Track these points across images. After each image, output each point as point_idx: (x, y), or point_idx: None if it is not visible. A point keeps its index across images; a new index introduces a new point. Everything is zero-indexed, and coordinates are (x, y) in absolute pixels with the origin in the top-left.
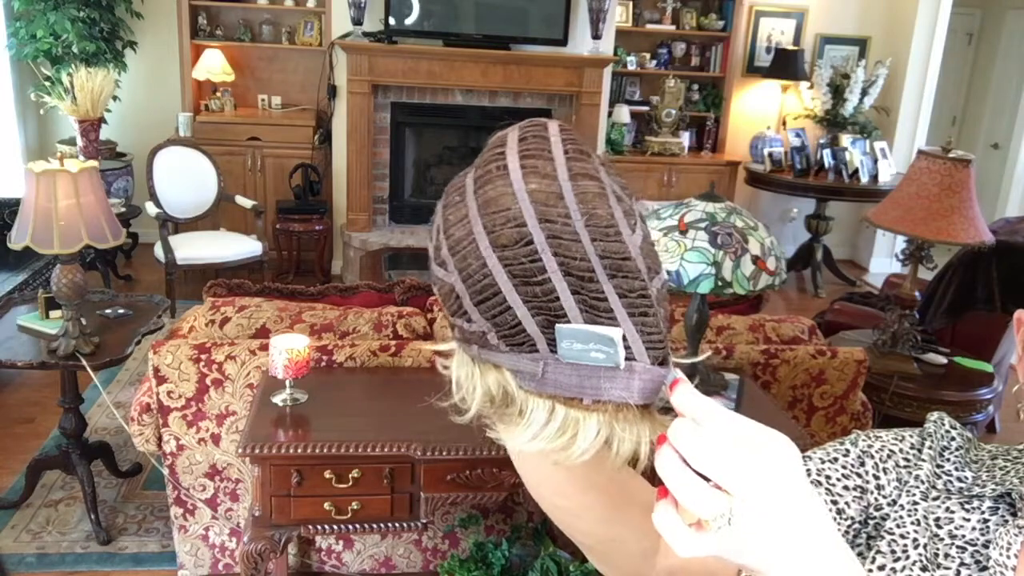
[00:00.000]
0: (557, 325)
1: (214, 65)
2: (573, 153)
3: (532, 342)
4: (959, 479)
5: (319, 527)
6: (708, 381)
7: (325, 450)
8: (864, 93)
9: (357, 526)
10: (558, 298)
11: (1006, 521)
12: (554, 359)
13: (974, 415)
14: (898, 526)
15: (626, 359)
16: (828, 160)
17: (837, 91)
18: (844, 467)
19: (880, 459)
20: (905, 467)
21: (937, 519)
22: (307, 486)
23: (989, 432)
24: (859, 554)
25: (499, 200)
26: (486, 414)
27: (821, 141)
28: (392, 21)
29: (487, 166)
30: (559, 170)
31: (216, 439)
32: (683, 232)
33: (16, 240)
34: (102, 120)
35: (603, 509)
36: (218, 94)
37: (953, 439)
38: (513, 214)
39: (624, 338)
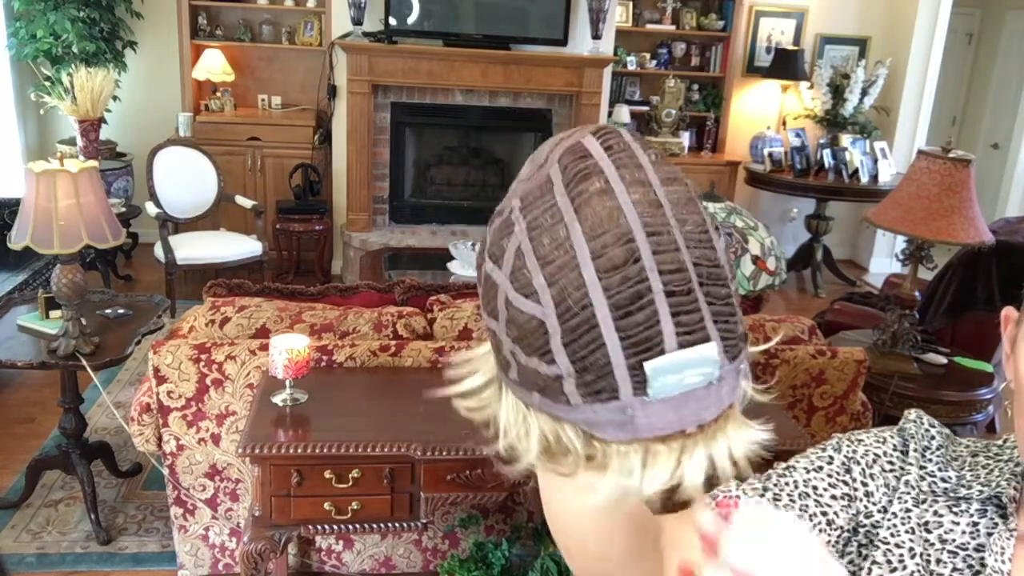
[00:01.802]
0: (648, 365)
1: (214, 65)
2: (655, 158)
3: (614, 388)
4: (943, 479)
5: (319, 527)
6: None
7: (325, 450)
8: (864, 93)
9: (357, 526)
10: (658, 322)
11: (996, 524)
12: (641, 401)
13: (974, 415)
14: (892, 535)
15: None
16: (828, 160)
17: (837, 91)
18: (830, 475)
19: (866, 464)
20: (891, 471)
21: (926, 523)
22: (307, 486)
23: (989, 432)
24: (850, 563)
25: (608, 218)
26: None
27: (821, 141)
28: (392, 21)
29: (581, 184)
30: (651, 177)
31: (216, 439)
32: None
33: (16, 240)
34: (102, 120)
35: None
36: (218, 94)
37: (933, 438)
38: (623, 230)
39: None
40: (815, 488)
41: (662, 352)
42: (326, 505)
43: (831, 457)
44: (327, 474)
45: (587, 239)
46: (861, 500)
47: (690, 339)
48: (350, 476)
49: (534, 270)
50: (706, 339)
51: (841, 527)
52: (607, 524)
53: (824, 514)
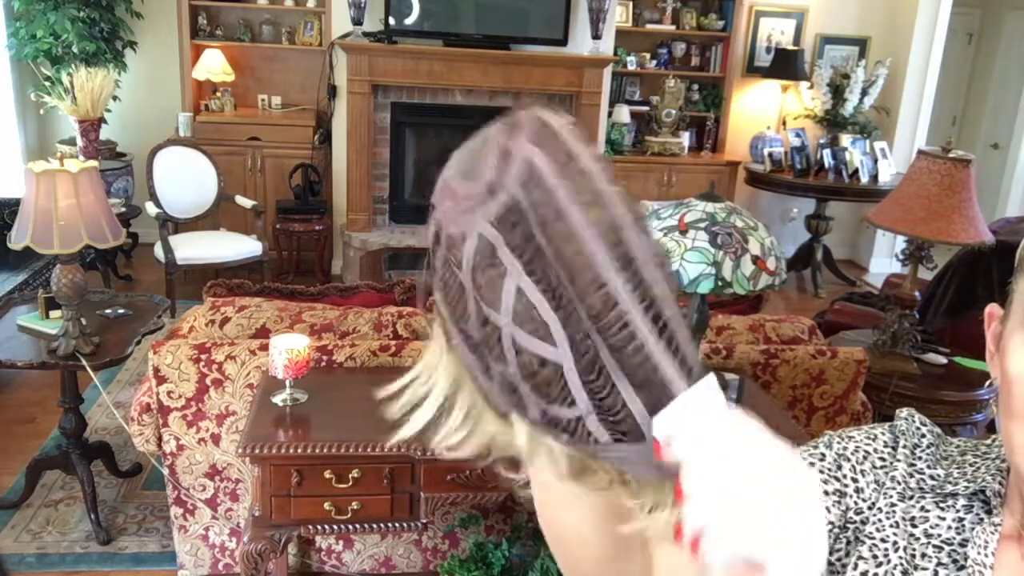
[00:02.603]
0: (655, 420)
1: (214, 65)
2: (591, 150)
3: (639, 432)
4: (931, 477)
5: (319, 527)
6: None
7: (325, 450)
8: (864, 93)
9: (357, 526)
10: (656, 368)
11: (981, 519)
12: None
13: (974, 415)
14: (878, 530)
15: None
16: (828, 160)
17: (837, 91)
18: (822, 472)
19: (857, 460)
20: (882, 467)
21: (912, 519)
22: (307, 486)
23: (989, 431)
24: (838, 559)
25: (578, 259)
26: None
27: (821, 141)
28: (392, 21)
29: (551, 226)
30: (600, 184)
31: (216, 439)
32: (683, 232)
33: (16, 240)
34: (102, 120)
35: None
36: (218, 94)
37: (924, 436)
38: (593, 275)
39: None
40: None
41: (670, 396)
42: (326, 505)
43: (823, 454)
44: (327, 474)
45: (569, 283)
46: (851, 496)
47: (689, 380)
48: (350, 476)
49: (540, 305)
50: (701, 372)
51: (832, 523)
52: (600, 534)
53: None
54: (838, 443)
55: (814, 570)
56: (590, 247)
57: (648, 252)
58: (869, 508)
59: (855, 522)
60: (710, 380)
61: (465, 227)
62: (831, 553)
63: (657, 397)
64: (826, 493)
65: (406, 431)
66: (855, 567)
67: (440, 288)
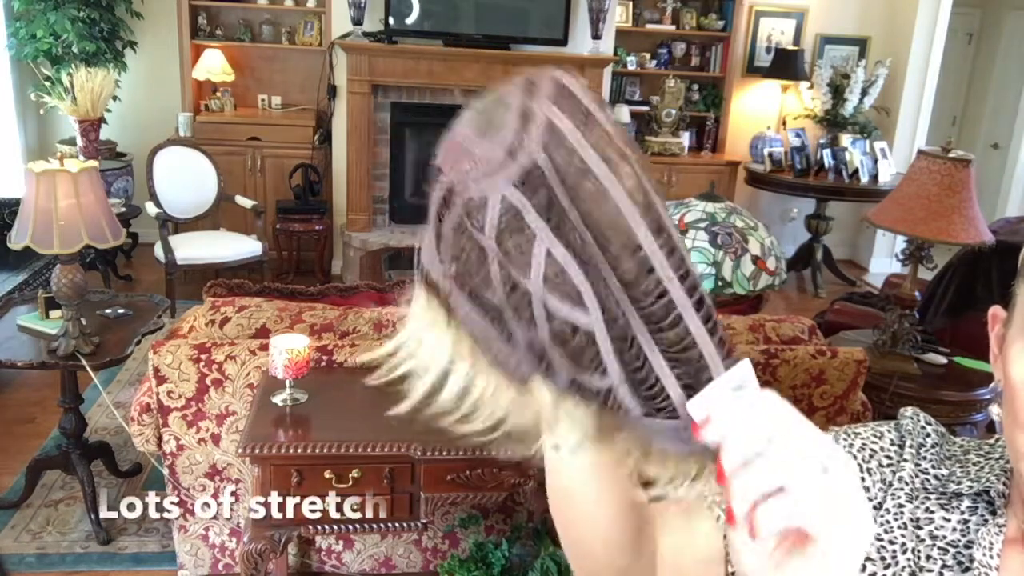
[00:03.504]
0: (690, 405)
1: (214, 65)
2: (609, 113)
3: (672, 408)
4: (936, 477)
5: (319, 527)
6: None
7: (325, 450)
8: (864, 93)
9: (357, 526)
10: (695, 343)
11: (986, 521)
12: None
13: (974, 415)
14: (886, 531)
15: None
16: (828, 160)
17: (837, 91)
18: None
19: (863, 459)
20: (888, 466)
21: (917, 520)
22: (307, 486)
23: (989, 431)
24: None
25: (607, 216)
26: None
27: (821, 141)
28: (392, 21)
29: (576, 189)
30: (624, 147)
31: (216, 439)
32: (683, 232)
33: (16, 240)
34: (102, 120)
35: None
36: (218, 94)
37: (928, 436)
38: (627, 238)
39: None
40: None
41: (708, 377)
42: None
43: None
44: (327, 474)
45: (599, 248)
46: None
47: (728, 360)
48: (350, 476)
49: (571, 268)
50: (734, 352)
51: None
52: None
53: None
54: (844, 440)
55: (864, 541)
56: (622, 206)
57: (672, 219)
58: (875, 508)
59: None
60: (746, 363)
61: (487, 190)
62: None
63: (694, 375)
64: None
65: (403, 406)
66: (863, 568)
67: (451, 257)
